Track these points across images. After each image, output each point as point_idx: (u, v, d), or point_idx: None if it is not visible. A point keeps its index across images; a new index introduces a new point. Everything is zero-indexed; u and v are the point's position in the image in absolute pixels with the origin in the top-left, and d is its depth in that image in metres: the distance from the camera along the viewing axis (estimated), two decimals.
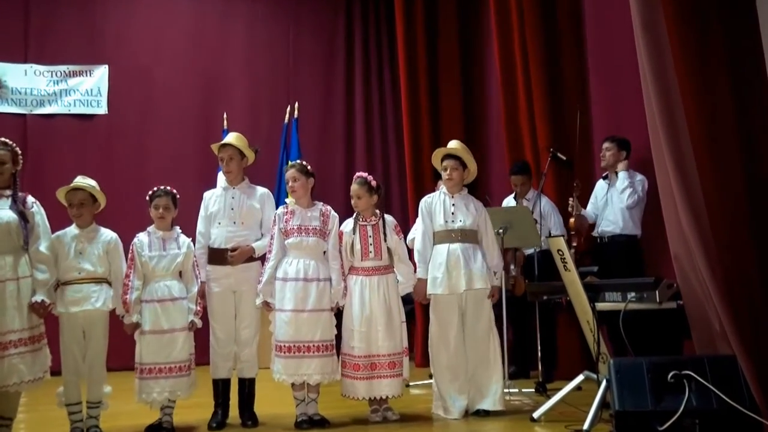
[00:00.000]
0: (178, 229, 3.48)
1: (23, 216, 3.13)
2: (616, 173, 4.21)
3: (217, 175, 5.30)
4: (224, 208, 3.56)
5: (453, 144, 3.74)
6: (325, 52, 6.77)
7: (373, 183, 3.56)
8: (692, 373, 2.69)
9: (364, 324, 3.42)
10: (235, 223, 3.54)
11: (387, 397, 3.46)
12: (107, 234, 3.35)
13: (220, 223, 3.55)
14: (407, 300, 3.78)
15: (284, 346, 3.34)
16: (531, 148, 4.91)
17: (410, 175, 5.68)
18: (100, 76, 6.18)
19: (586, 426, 2.91)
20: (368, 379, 3.41)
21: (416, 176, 5.61)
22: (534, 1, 4.87)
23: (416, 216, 3.94)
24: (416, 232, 3.95)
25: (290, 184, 3.50)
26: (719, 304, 2.72)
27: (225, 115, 6.22)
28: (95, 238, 3.31)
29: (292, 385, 3.38)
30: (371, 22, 6.87)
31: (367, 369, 3.41)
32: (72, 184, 3.33)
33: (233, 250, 3.48)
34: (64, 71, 6.11)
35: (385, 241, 3.51)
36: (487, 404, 3.49)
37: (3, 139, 3.22)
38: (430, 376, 3.65)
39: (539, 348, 4.20)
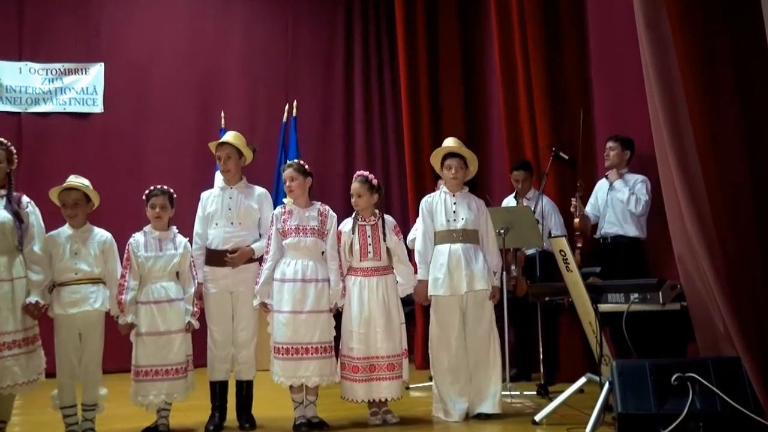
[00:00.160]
0: (174, 229, 3.45)
1: (18, 216, 3.11)
2: (607, 176, 4.18)
3: (214, 174, 5.26)
4: (222, 208, 3.53)
5: (452, 142, 3.70)
6: (324, 50, 6.73)
7: (374, 182, 3.53)
8: (696, 376, 2.67)
9: (362, 325, 3.39)
10: (232, 223, 3.51)
11: (386, 399, 3.43)
12: (102, 234, 3.33)
13: (217, 224, 3.52)
14: (407, 301, 3.75)
15: (282, 347, 3.31)
16: (531, 148, 4.88)
17: (410, 175, 5.64)
18: (95, 74, 6.13)
19: (588, 429, 2.88)
20: (367, 381, 3.37)
21: (416, 176, 5.57)
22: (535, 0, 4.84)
23: (416, 216, 3.90)
24: (416, 232, 3.91)
25: (287, 183, 3.47)
26: (723, 305, 2.70)
27: (222, 114, 6.17)
28: (90, 238, 3.28)
29: (291, 387, 3.35)
30: (371, 20, 6.84)
31: (366, 371, 3.38)
32: (65, 184, 3.29)
33: (233, 251, 3.44)
34: (60, 69, 6.07)
35: (385, 241, 3.48)
36: (486, 408, 3.47)
37: None
38: (430, 379, 3.62)
39: (541, 350, 4.17)
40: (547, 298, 3.63)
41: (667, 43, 2.86)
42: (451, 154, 3.63)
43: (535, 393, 3.97)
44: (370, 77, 6.77)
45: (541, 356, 4.16)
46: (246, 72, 6.50)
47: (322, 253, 3.44)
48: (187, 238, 3.46)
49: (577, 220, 4.18)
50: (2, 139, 3.19)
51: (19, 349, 3.03)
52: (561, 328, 4.56)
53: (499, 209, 4.46)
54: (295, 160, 3.64)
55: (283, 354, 3.30)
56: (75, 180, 3.31)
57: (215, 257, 3.47)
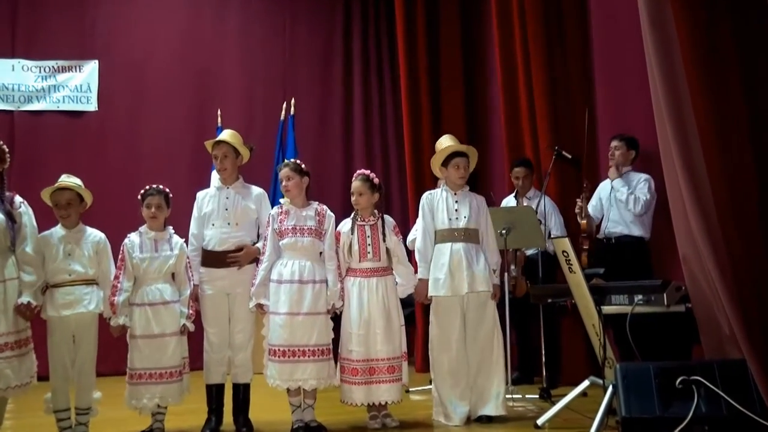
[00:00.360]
0: (170, 229, 3.40)
1: (10, 216, 3.07)
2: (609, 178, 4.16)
3: (210, 173, 5.21)
4: (218, 208, 3.49)
5: (453, 141, 3.65)
6: (323, 48, 6.69)
7: (376, 181, 3.49)
8: (701, 379, 2.65)
9: (362, 327, 3.35)
10: (229, 224, 3.46)
11: (386, 403, 3.39)
12: (95, 234, 3.28)
13: (214, 224, 3.47)
14: (406, 303, 3.71)
15: (278, 350, 3.26)
16: (532, 148, 4.85)
17: (410, 175, 5.60)
18: (89, 71, 6.07)
19: None
20: (366, 384, 3.33)
21: (416, 176, 5.53)
22: None
23: (416, 216, 3.85)
24: (416, 232, 3.87)
25: (284, 183, 3.43)
26: (728, 307, 2.68)
27: (219, 112, 6.12)
28: (83, 239, 3.23)
29: (288, 390, 3.31)
30: (370, 19, 6.80)
31: (366, 373, 3.33)
32: (57, 184, 3.24)
33: (239, 249, 3.39)
34: (53, 66, 6.00)
35: (384, 241, 3.44)
36: (489, 409, 3.42)
37: None
38: (431, 382, 3.57)
39: (543, 353, 4.13)
40: (549, 300, 3.60)
41: (672, 40, 2.84)
42: (458, 153, 3.57)
43: (537, 396, 3.93)
44: (369, 76, 6.72)
45: (544, 359, 4.12)
46: (243, 69, 6.45)
47: (320, 253, 3.40)
48: (183, 239, 3.41)
49: (584, 221, 4.14)
50: None
51: (12, 351, 2.99)
52: (563, 330, 4.52)
53: (500, 209, 4.43)
54: (292, 160, 3.60)
55: (279, 356, 3.25)
56: (67, 180, 3.26)
57: (212, 258, 3.42)
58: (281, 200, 3.50)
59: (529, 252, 4.55)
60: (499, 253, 3.68)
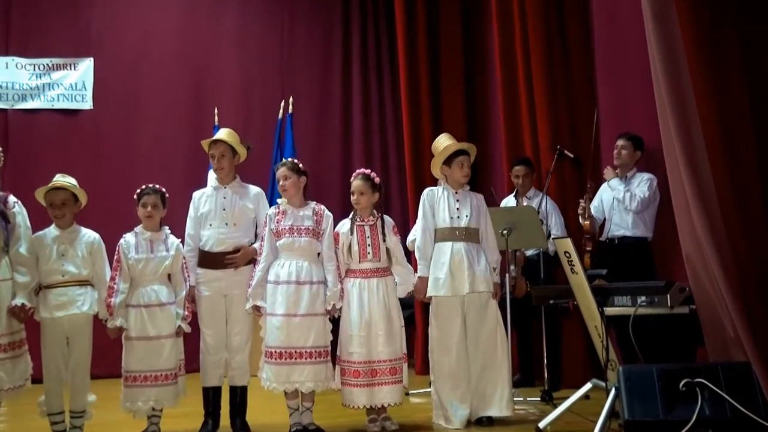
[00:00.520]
0: (167, 229, 3.36)
1: (4, 216, 3.05)
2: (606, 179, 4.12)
3: (207, 173, 5.16)
4: (216, 208, 3.44)
5: (452, 140, 3.61)
6: (322, 48, 6.64)
7: (376, 180, 3.46)
8: (705, 381, 2.62)
9: (363, 328, 3.31)
10: (227, 224, 3.42)
11: (386, 405, 3.35)
12: (90, 234, 3.24)
13: (211, 225, 3.42)
14: (406, 304, 3.67)
15: (275, 352, 3.23)
16: (532, 148, 4.82)
17: (410, 175, 5.55)
18: (84, 69, 6.00)
19: None
20: (368, 386, 3.29)
21: (416, 176, 5.47)
22: None
23: (416, 217, 3.81)
24: (416, 232, 3.83)
25: (281, 183, 3.40)
26: (733, 308, 2.66)
27: (216, 111, 6.06)
28: (77, 239, 3.20)
29: (286, 393, 3.27)
30: (370, 18, 6.74)
31: (368, 375, 3.29)
32: (52, 183, 3.20)
33: (236, 250, 3.35)
34: (48, 64, 5.93)
35: (384, 241, 3.40)
36: (493, 410, 3.39)
37: None
38: (430, 384, 3.53)
39: (545, 355, 4.09)
40: (551, 301, 3.56)
41: (676, 38, 2.82)
42: (460, 152, 3.53)
43: (539, 399, 3.90)
44: (368, 75, 6.67)
45: (545, 361, 4.09)
46: (241, 68, 6.39)
47: (318, 254, 3.36)
48: (179, 240, 3.37)
49: (587, 222, 4.11)
50: None
51: (5, 353, 2.97)
52: (565, 332, 4.49)
53: (502, 209, 4.39)
54: (289, 159, 3.57)
55: (275, 358, 3.22)
56: (62, 179, 3.22)
57: (209, 259, 3.38)
58: (278, 200, 3.46)
59: (529, 252, 4.52)
60: (498, 251, 3.65)
